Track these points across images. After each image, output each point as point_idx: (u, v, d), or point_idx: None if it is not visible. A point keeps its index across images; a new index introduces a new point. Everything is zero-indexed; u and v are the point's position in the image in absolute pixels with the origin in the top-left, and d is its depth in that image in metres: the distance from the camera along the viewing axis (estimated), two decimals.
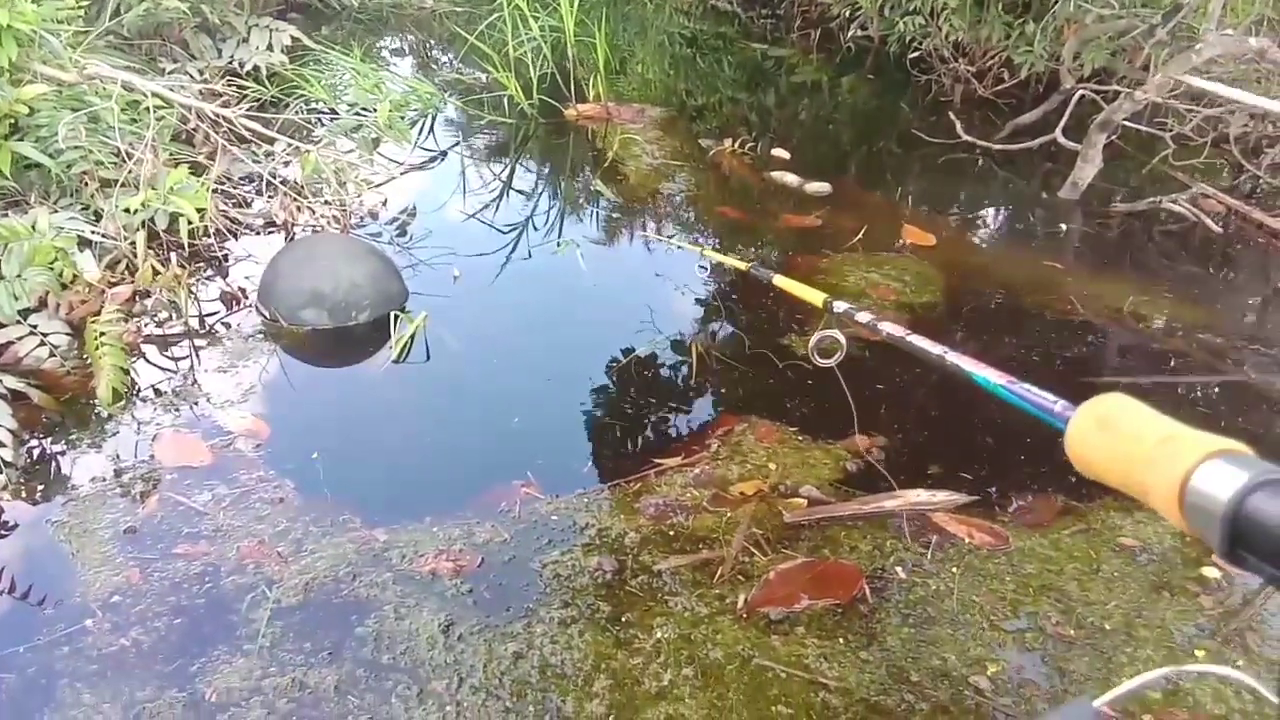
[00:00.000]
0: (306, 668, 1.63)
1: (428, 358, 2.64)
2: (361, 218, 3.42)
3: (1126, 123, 3.63)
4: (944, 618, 1.81)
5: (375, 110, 4.01)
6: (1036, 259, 3.29)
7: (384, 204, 3.53)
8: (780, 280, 1.25)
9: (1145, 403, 0.52)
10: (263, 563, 1.85)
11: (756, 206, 3.70)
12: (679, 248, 1.93)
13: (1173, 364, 2.69)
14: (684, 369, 2.64)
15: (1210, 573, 1.93)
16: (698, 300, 3.01)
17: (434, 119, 4.53)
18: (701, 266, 1.72)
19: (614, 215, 3.68)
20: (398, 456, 2.26)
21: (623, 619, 1.77)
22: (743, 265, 1.57)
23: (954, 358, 0.72)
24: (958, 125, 3.98)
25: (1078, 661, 1.71)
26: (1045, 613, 1.82)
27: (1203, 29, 3.44)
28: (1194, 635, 1.78)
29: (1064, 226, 3.58)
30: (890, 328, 0.78)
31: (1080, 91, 3.91)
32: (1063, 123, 3.78)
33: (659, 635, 1.73)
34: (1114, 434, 0.50)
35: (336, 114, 4.17)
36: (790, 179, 3.84)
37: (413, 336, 2.65)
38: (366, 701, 1.58)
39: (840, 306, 1.00)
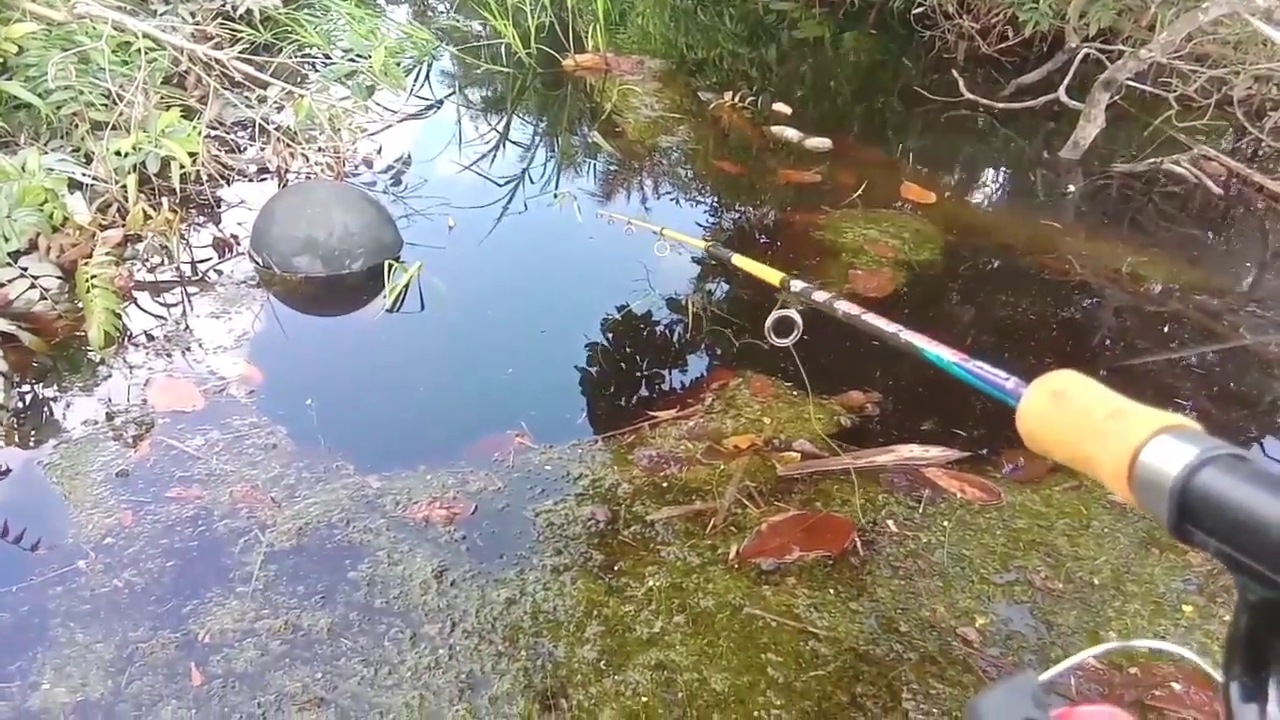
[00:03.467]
0: (300, 610, 1.64)
1: (422, 307, 2.62)
2: (355, 165, 3.38)
3: (1130, 82, 3.59)
4: (934, 570, 1.82)
5: (370, 56, 3.95)
6: (1036, 218, 3.27)
7: (378, 152, 3.49)
8: (739, 259, 1.24)
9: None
10: (256, 507, 1.85)
11: (755, 161, 3.66)
12: (634, 226, 1.91)
13: (1169, 326, 2.68)
14: (680, 323, 2.63)
15: None
16: (694, 257, 3.00)
17: (430, 66, 4.46)
18: (660, 247, 1.70)
19: (612, 168, 3.64)
20: (391, 405, 2.25)
21: (615, 567, 1.78)
22: (701, 244, 1.55)
23: (908, 336, 0.71)
24: (960, 83, 3.93)
25: (1066, 615, 1.73)
26: (1035, 567, 1.83)
27: None
28: (1182, 591, 1.80)
29: (1071, 188, 3.55)
30: (846, 306, 0.77)
31: (1085, 50, 3.86)
32: (1066, 81, 3.73)
33: (651, 584, 1.74)
34: (1064, 408, 0.49)
35: (331, 60, 4.10)
36: (790, 134, 3.80)
37: (407, 285, 2.64)
38: (359, 644, 1.59)
39: (797, 285, 0.99)
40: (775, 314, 0.97)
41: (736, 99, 4.04)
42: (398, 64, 4.12)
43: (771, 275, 1.08)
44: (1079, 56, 3.84)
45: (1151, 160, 3.46)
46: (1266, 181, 3.36)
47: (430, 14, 5.48)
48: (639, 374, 2.49)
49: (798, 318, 0.91)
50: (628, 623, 1.66)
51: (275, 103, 3.48)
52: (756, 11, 5.72)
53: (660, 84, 4.37)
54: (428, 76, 4.37)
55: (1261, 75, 3.86)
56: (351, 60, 4.03)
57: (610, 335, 2.57)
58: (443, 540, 1.82)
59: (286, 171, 3.20)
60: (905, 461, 2.13)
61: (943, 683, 1.59)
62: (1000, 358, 2.63)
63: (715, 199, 3.46)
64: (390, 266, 2.65)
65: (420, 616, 1.64)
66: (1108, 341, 2.69)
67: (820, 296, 0.88)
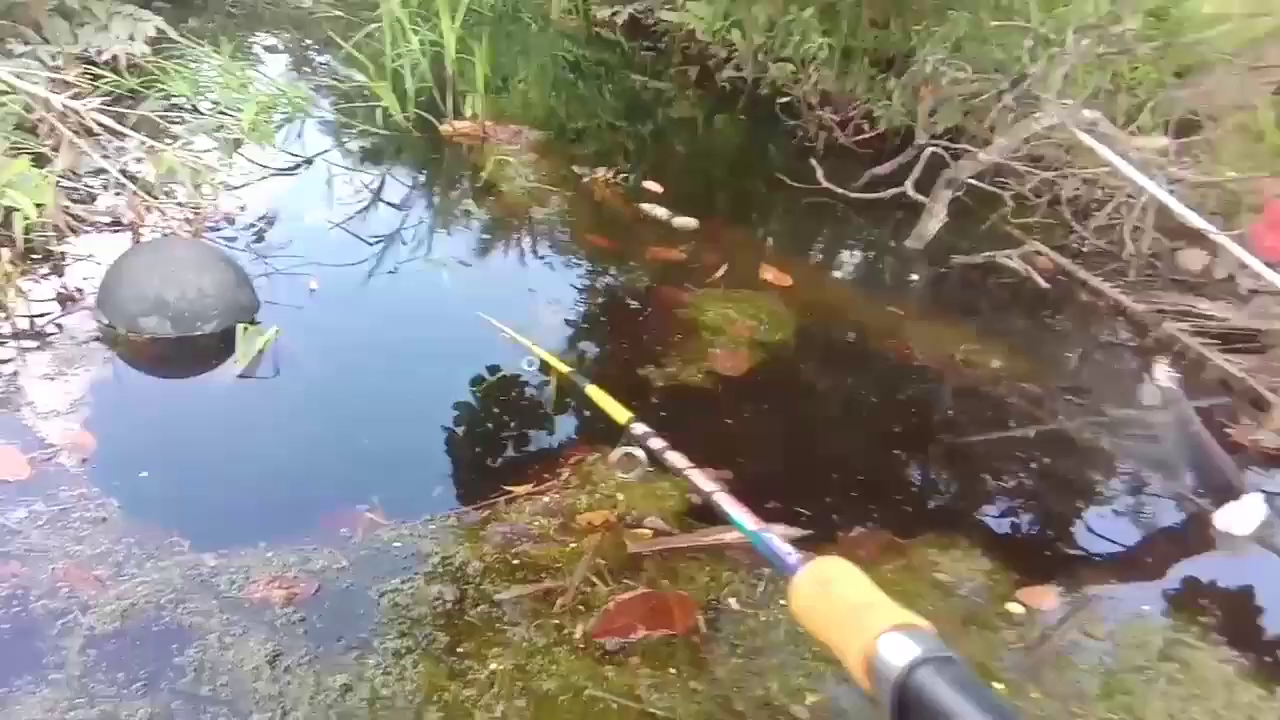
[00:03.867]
0: (118, 700, 1.56)
1: (276, 373, 2.57)
2: (216, 222, 3.30)
3: (970, 181, 3.88)
4: (771, 649, 1.89)
5: (240, 110, 3.89)
6: (882, 304, 3.47)
7: (241, 209, 3.42)
8: (591, 390, 1.29)
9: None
10: (78, 586, 1.76)
11: (625, 236, 3.76)
12: (510, 338, 1.95)
13: (995, 410, 2.89)
14: (543, 393, 2.66)
15: (1015, 608, 2.09)
16: (566, 320, 3.06)
17: (303, 124, 4.42)
18: (530, 362, 1.74)
19: (485, 236, 3.68)
20: (235, 477, 2.19)
21: (459, 650, 1.77)
22: (564, 369, 1.60)
23: (720, 497, 0.77)
24: (819, 171, 4.16)
25: None
26: None
27: (1044, 98, 3.72)
28: (998, 668, 1.92)
29: (915, 276, 3.80)
30: (675, 458, 0.82)
31: (931, 148, 4.15)
32: (913, 176, 4.00)
33: (494, 666, 1.74)
34: (826, 596, 0.53)
35: (199, 112, 4.02)
36: (659, 212, 3.92)
37: (261, 350, 2.58)
38: None
39: (639, 429, 1.03)
40: (620, 450, 1.00)
41: (610, 174, 4.15)
42: (269, 120, 4.07)
43: (619, 414, 1.12)
44: (926, 153, 4.12)
45: (986, 254, 3.73)
46: (1088, 277, 3.67)
47: (306, 70, 5.44)
48: (499, 445, 2.50)
49: (641, 455, 0.96)
50: (468, 708, 1.65)
51: (135, 154, 3.38)
52: (634, 88, 5.91)
53: (538, 155, 4.45)
54: (300, 134, 4.32)
55: (1088, 178, 4.24)
56: (220, 113, 3.96)
57: (472, 404, 2.58)
58: (280, 623, 1.77)
59: (141, 226, 3.10)
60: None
61: None
62: (844, 437, 2.78)
63: (585, 271, 3.53)
64: (245, 329, 2.59)
65: (249, 705, 1.59)
66: (940, 422, 2.87)
67: (657, 444, 0.92)
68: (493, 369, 2.69)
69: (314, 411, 2.48)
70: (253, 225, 3.35)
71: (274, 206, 3.52)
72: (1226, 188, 4.04)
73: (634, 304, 3.29)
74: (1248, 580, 2.33)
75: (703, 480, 0.77)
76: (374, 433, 2.37)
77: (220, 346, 2.58)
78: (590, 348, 3.02)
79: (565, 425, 2.57)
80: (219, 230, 3.26)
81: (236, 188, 3.56)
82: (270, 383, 2.53)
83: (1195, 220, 3.47)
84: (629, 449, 0.96)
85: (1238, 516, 2.43)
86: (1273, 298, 3.41)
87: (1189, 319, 3.42)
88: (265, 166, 3.84)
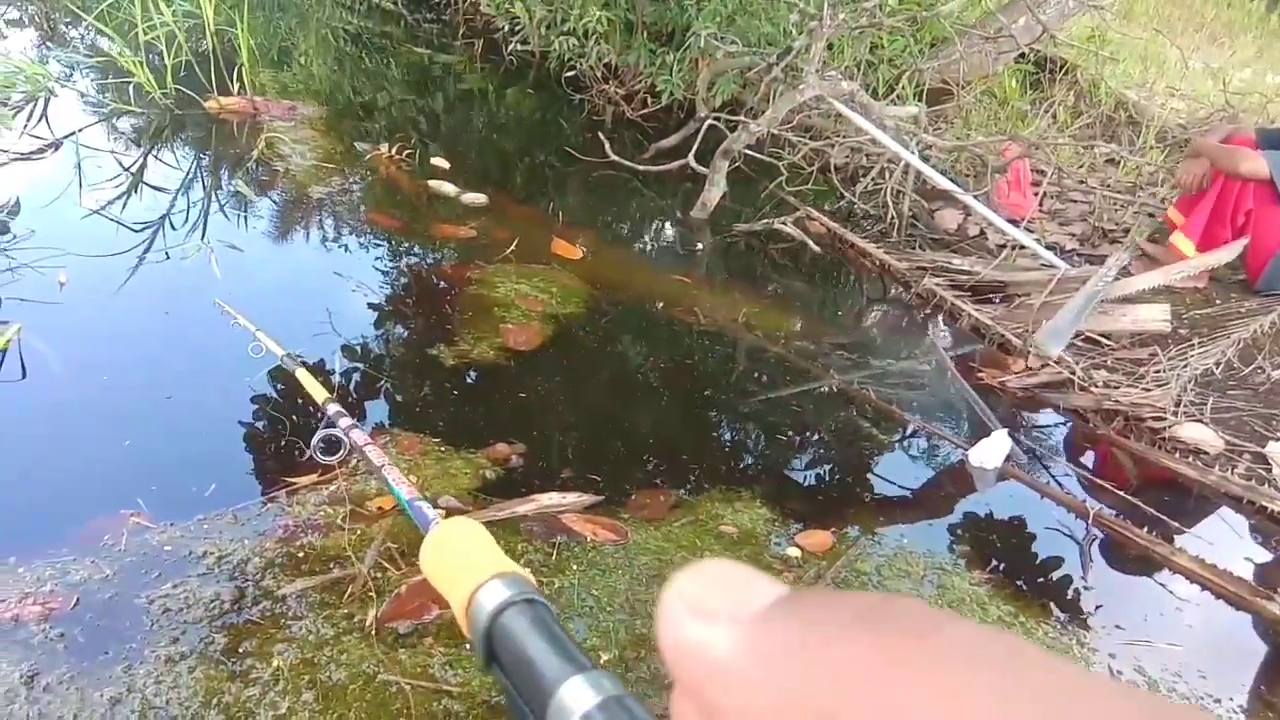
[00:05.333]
0: None
1: (23, 375, 2.36)
2: None
3: (748, 151, 4.05)
4: (564, 613, 1.94)
5: None
6: (669, 273, 3.59)
7: None
8: (300, 373, 1.29)
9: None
10: None
11: (412, 215, 3.69)
12: (238, 324, 1.88)
13: (773, 368, 3.06)
14: (328, 380, 2.58)
15: (793, 552, 2.24)
16: (350, 303, 2.97)
17: (47, 103, 4.03)
18: (254, 349, 1.70)
19: (258, 219, 3.50)
20: None
21: (240, 650, 1.71)
22: (280, 351, 1.58)
23: (391, 476, 0.76)
24: (606, 145, 4.23)
25: None
26: (654, 601, 2.00)
27: (805, 71, 3.93)
28: None
29: (699, 245, 3.94)
30: (373, 453, 0.82)
31: (710, 120, 4.30)
32: (694, 148, 4.13)
33: (277, 663, 1.69)
34: (442, 556, 0.54)
35: None
36: (447, 188, 3.87)
37: (3, 351, 2.36)
38: None
39: (333, 409, 1.01)
40: (321, 433, 0.98)
41: (394, 151, 4.05)
42: (4, 102, 3.68)
43: (319, 394, 1.11)
44: (705, 125, 4.27)
45: (765, 221, 3.92)
46: (856, 239, 3.93)
47: (51, 45, 4.95)
48: (279, 437, 2.40)
49: (344, 437, 0.94)
50: (250, 708, 1.60)
51: None
52: (421, 62, 5.76)
53: (314, 131, 4.27)
54: (45, 115, 3.95)
55: (854, 146, 4.53)
56: None
57: (249, 396, 2.46)
58: (36, 641, 1.65)
59: None
60: (544, 509, 2.24)
61: None
62: (635, 404, 2.86)
63: (370, 252, 3.44)
64: None
65: None
66: (725, 383, 3.01)
67: (359, 436, 0.91)
68: (263, 363, 2.58)
69: (67, 415, 2.30)
70: None
71: (17, 194, 3.21)
72: (974, 151, 4.44)
73: (423, 283, 3.24)
74: (995, 509, 2.59)
75: (396, 477, 0.77)
76: (136, 432, 2.22)
77: None
78: (378, 330, 2.95)
79: (355, 411, 2.51)
80: None
81: None
82: (16, 386, 2.32)
83: (942, 182, 3.78)
84: (331, 430, 0.95)
85: (988, 452, 2.70)
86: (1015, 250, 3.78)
87: (945, 274, 3.74)
88: (4, 151, 3.49)
